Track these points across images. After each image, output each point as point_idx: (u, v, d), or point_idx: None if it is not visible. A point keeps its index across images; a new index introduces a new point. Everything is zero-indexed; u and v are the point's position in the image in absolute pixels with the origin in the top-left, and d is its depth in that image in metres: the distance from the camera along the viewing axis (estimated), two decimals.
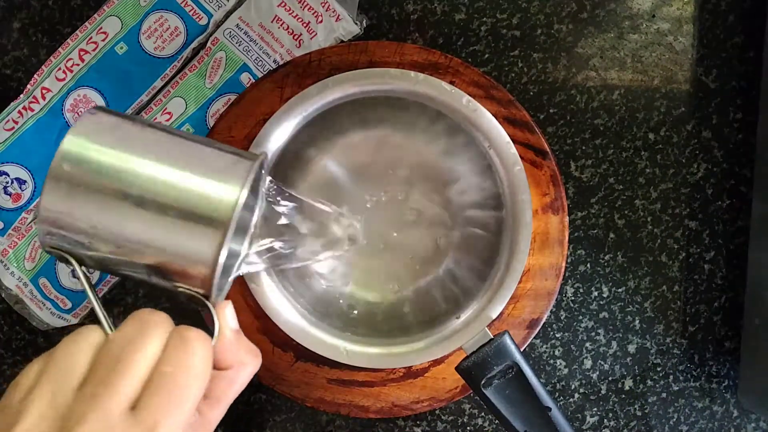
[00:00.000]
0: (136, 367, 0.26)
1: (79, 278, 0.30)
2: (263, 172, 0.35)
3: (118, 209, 0.28)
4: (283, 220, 0.38)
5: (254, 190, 0.36)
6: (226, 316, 0.31)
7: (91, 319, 0.49)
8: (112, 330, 0.28)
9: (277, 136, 0.43)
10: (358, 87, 0.43)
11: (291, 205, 0.39)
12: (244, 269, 0.36)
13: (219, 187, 0.29)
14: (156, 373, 0.26)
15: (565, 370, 0.51)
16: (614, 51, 0.51)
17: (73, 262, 0.29)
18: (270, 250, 0.37)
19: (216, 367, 0.30)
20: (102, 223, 0.28)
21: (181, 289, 0.30)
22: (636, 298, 0.51)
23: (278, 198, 0.38)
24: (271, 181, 0.37)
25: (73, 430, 0.24)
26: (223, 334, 0.30)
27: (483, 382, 0.38)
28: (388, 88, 0.43)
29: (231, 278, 0.34)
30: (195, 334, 0.28)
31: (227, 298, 0.33)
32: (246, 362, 0.31)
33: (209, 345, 0.28)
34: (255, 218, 0.36)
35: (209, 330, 0.30)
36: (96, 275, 0.48)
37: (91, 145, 0.29)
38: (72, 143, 0.29)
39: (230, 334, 0.31)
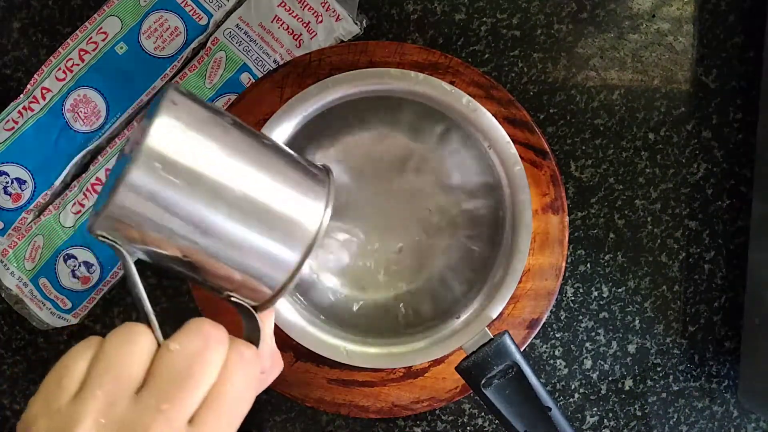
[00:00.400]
0: (201, 383, 0.25)
1: (132, 275, 0.27)
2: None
3: (206, 213, 0.26)
4: None
5: None
6: (268, 326, 0.31)
7: (92, 318, 0.49)
8: (161, 337, 0.26)
9: (277, 135, 0.43)
10: (358, 87, 0.43)
11: None
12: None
13: (308, 203, 0.29)
14: (216, 391, 0.26)
15: (565, 370, 0.51)
16: (614, 51, 0.51)
17: (125, 254, 0.27)
18: None
19: None
20: (184, 228, 0.26)
21: (233, 299, 0.30)
22: (636, 298, 0.51)
23: None
24: None
25: None
26: (266, 343, 0.30)
27: (483, 382, 0.38)
28: (388, 88, 0.43)
29: (286, 292, 0.34)
30: (252, 353, 0.28)
31: None
32: (276, 367, 0.32)
33: (259, 363, 0.28)
34: (320, 235, 0.35)
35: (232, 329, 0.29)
36: (95, 275, 0.48)
37: (186, 140, 0.26)
38: (163, 134, 0.26)
39: (272, 345, 0.31)
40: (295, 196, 0.29)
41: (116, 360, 0.25)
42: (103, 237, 0.27)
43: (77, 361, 0.25)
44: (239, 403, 0.26)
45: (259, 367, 0.28)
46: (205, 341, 0.26)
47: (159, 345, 0.26)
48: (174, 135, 0.26)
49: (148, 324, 0.26)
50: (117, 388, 0.24)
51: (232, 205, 0.27)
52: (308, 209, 0.29)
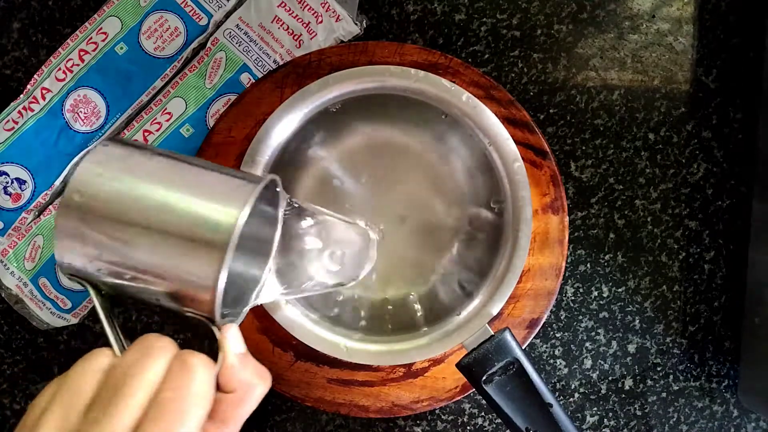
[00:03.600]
0: (136, 393, 0.26)
1: (95, 305, 0.31)
2: (280, 194, 0.35)
3: (124, 235, 0.29)
4: (307, 244, 0.39)
5: (268, 214, 0.36)
6: (228, 339, 0.31)
7: (92, 318, 0.49)
8: (121, 353, 0.29)
9: (278, 133, 0.43)
10: (358, 84, 0.43)
11: (312, 224, 0.38)
12: (264, 298, 0.36)
13: (219, 209, 0.29)
14: (156, 399, 0.26)
15: (565, 370, 0.50)
16: (614, 51, 0.51)
17: (88, 287, 0.31)
18: (291, 277, 0.37)
19: (222, 390, 0.30)
20: (109, 248, 0.29)
21: (189, 314, 0.31)
22: (636, 298, 0.51)
23: (300, 218, 0.38)
24: (291, 202, 0.36)
25: None
26: (225, 358, 0.30)
27: (484, 378, 0.38)
28: (388, 86, 0.43)
29: (248, 306, 0.34)
30: (196, 359, 0.28)
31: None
32: (254, 384, 0.31)
33: (211, 369, 0.28)
34: (275, 244, 0.36)
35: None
36: None
37: (99, 175, 0.30)
38: (82, 173, 0.29)
39: (233, 358, 0.31)
40: (214, 197, 0.30)
41: (72, 378, 0.27)
42: (70, 275, 0.31)
43: (50, 385, 0.28)
44: (184, 410, 0.27)
45: (210, 374, 0.28)
46: (144, 352, 0.27)
47: None
48: (90, 170, 0.30)
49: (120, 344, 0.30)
50: (70, 405, 0.26)
51: (148, 215, 0.29)
52: (226, 209, 0.29)
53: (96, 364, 0.28)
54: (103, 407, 0.26)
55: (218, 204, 0.30)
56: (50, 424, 0.26)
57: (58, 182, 0.48)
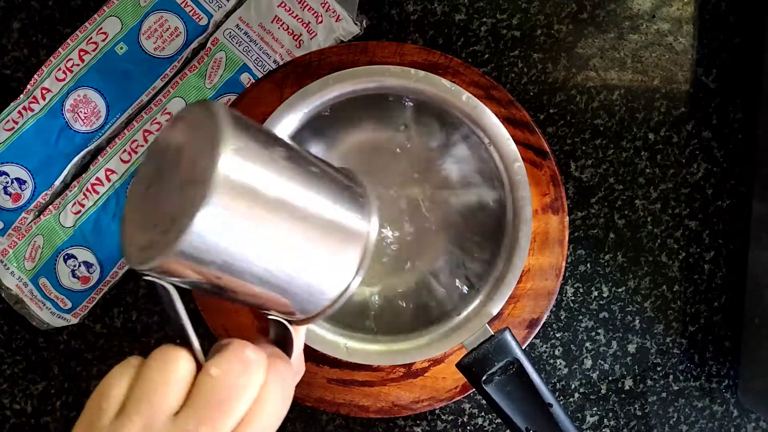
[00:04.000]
0: (239, 407, 0.26)
1: (176, 309, 0.25)
2: (372, 204, 0.32)
3: (261, 252, 0.25)
4: None
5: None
6: (301, 338, 0.31)
7: (92, 318, 0.49)
8: (203, 358, 0.26)
9: (278, 133, 0.42)
10: (358, 84, 0.43)
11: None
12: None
13: (350, 234, 0.28)
14: (253, 411, 0.26)
15: (565, 370, 0.50)
16: (614, 51, 0.51)
17: (164, 284, 0.25)
18: None
19: None
20: (240, 262, 0.25)
21: (271, 317, 0.30)
22: (636, 298, 0.51)
23: None
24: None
25: None
26: (298, 354, 0.31)
27: (484, 378, 0.38)
28: (388, 85, 0.43)
29: (338, 304, 0.33)
30: (287, 368, 0.28)
31: None
32: (299, 376, 0.33)
33: (293, 374, 0.29)
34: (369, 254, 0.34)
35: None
36: (95, 275, 0.48)
37: (249, 172, 0.24)
38: (231, 165, 0.23)
39: (297, 355, 0.31)
40: (343, 228, 0.28)
41: (153, 385, 0.25)
42: (151, 276, 0.25)
43: (116, 384, 0.25)
44: (276, 418, 0.27)
45: (293, 377, 0.29)
46: (245, 366, 0.26)
47: (199, 365, 0.26)
48: (242, 162, 0.23)
49: (189, 346, 0.26)
50: (153, 413, 0.24)
51: (291, 233, 0.26)
52: (356, 232, 0.28)
53: (179, 370, 0.25)
54: (204, 420, 0.25)
55: (349, 225, 0.28)
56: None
57: (58, 182, 0.48)
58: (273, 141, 0.26)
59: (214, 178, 0.22)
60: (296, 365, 0.31)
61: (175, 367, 0.25)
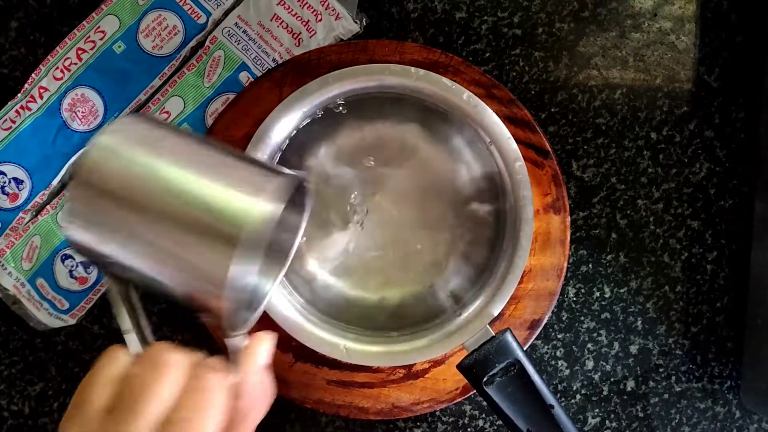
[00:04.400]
0: (152, 410, 0.26)
1: (110, 289, 0.29)
2: (308, 195, 0.32)
3: (138, 220, 0.27)
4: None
5: (293, 214, 0.33)
6: (258, 354, 0.31)
7: (90, 319, 0.49)
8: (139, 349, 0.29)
9: (277, 132, 0.42)
10: (358, 83, 0.42)
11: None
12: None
13: (251, 200, 0.27)
14: (172, 418, 0.26)
15: (567, 371, 0.50)
16: (616, 50, 0.51)
17: (97, 267, 0.29)
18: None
19: (238, 398, 0.29)
20: (120, 233, 0.28)
21: (204, 319, 0.30)
22: (638, 299, 0.51)
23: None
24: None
25: None
26: (248, 372, 0.30)
27: (485, 379, 0.38)
28: (388, 84, 0.43)
29: (259, 310, 0.33)
30: (213, 378, 0.28)
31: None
32: (268, 392, 0.31)
33: (226, 384, 0.28)
34: (294, 248, 0.34)
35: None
36: (93, 276, 0.48)
37: (114, 151, 0.28)
38: (97, 148, 0.28)
39: (256, 372, 0.30)
40: (237, 187, 0.28)
41: (88, 385, 0.27)
42: (84, 259, 0.29)
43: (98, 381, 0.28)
44: (199, 422, 0.27)
45: (226, 392, 0.28)
46: (158, 368, 0.27)
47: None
48: (110, 144, 0.28)
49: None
50: (88, 407, 0.27)
51: (166, 201, 0.27)
52: (250, 200, 0.27)
53: (112, 370, 0.27)
54: (122, 417, 0.26)
55: (249, 195, 0.27)
56: (74, 427, 0.27)
57: (55, 182, 0.47)
58: (163, 128, 0.30)
59: (85, 155, 0.28)
60: (253, 388, 0.30)
61: (108, 366, 0.28)
